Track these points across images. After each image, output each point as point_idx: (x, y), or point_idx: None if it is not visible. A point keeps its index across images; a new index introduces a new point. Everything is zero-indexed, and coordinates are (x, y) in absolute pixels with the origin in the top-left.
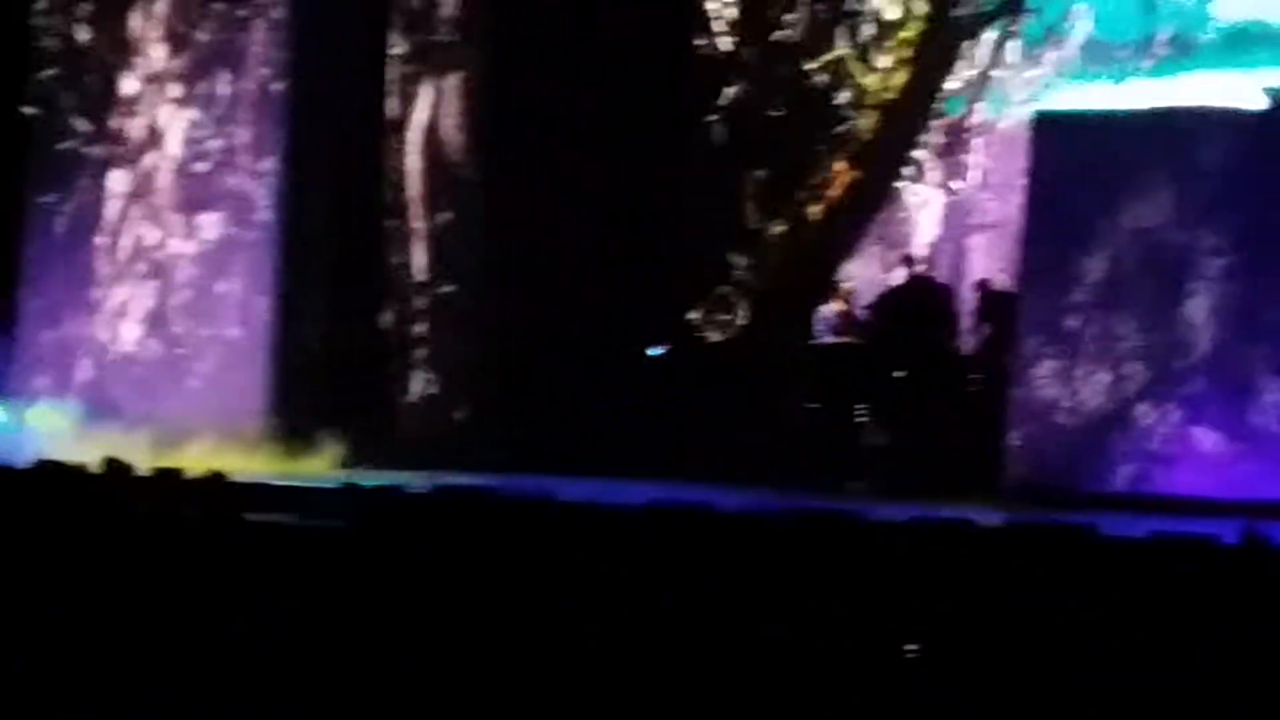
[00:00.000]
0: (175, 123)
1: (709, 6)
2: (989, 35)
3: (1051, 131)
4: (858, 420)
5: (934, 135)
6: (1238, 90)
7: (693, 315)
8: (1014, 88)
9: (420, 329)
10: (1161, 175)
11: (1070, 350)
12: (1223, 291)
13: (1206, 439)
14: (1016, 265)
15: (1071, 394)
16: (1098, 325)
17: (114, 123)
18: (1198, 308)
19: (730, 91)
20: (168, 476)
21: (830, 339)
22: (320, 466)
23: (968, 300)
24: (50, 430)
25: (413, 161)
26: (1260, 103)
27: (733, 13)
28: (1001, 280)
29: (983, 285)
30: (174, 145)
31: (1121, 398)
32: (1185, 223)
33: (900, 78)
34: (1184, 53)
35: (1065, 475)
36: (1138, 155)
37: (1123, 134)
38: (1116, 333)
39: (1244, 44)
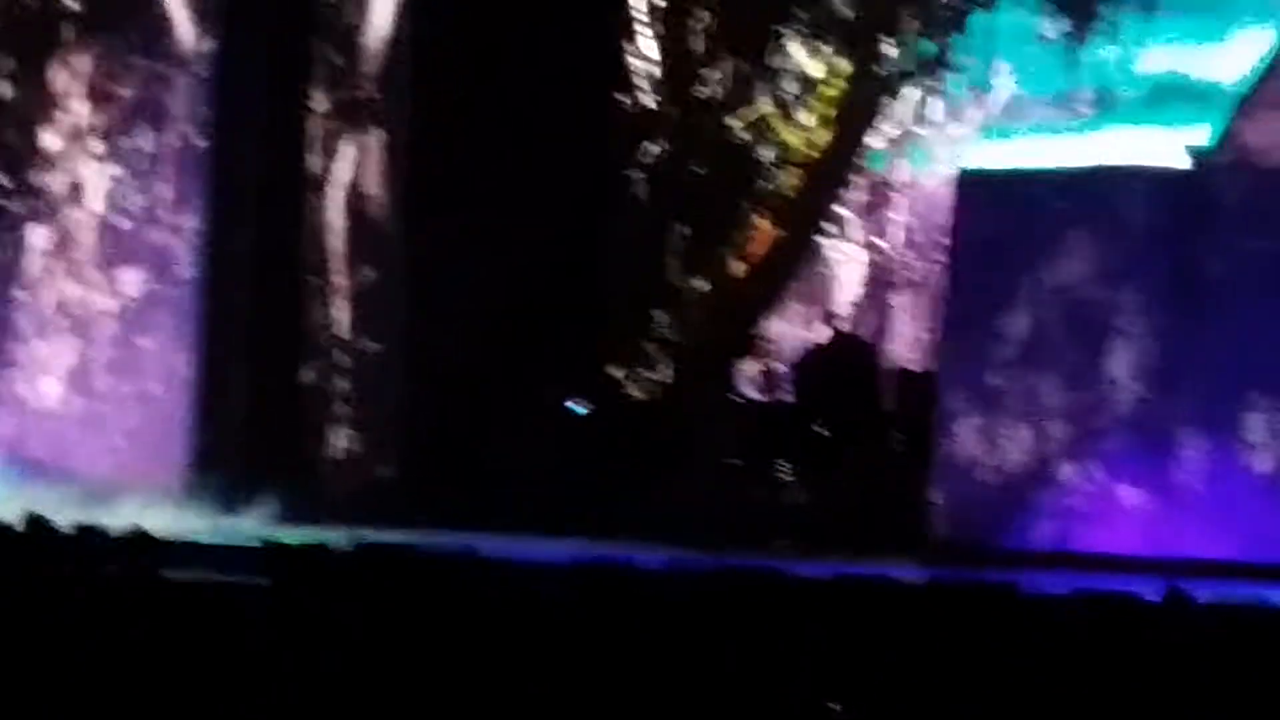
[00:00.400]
0: (97, 178)
1: (631, 63)
2: (912, 92)
3: (975, 189)
4: (781, 477)
5: (857, 193)
6: (1161, 147)
7: (615, 372)
8: (937, 145)
9: (343, 385)
10: (1084, 233)
11: (993, 407)
12: (1145, 349)
13: (1129, 496)
14: (939, 323)
15: (994, 451)
16: (1020, 382)
17: (35, 178)
18: (1120, 365)
19: (652, 148)
20: (90, 534)
21: (753, 396)
22: (244, 524)
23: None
24: None
25: (335, 218)
26: (1184, 161)
27: (655, 69)
28: (918, 361)
29: (903, 374)
30: (96, 201)
31: (1044, 455)
32: (1108, 280)
33: (823, 135)
34: (1107, 109)
35: (988, 532)
36: (1060, 213)
37: (1045, 192)
38: (1039, 390)
39: (1166, 100)
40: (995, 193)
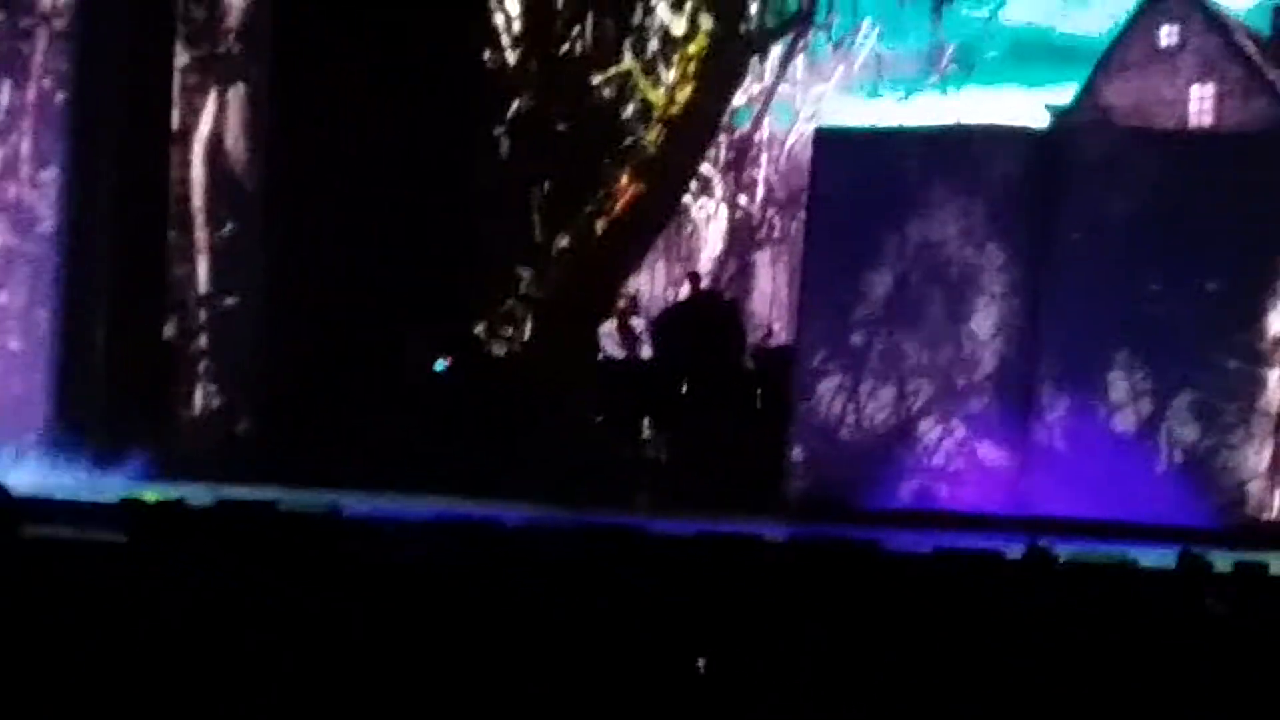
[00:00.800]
0: None
1: (496, 20)
2: (775, 50)
3: (833, 147)
4: (642, 435)
5: (721, 150)
6: (1021, 106)
7: (478, 329)
8: (801, 103)
9: (203, 342)
10: (943, 191)
11: (854, 365)
12: (1006, 308)
13: (990, 454)
14: (800, 280)
15: (856, 409)
16: (882, 341)
17: None
18: (982, 324)
19: (516, 104)
20: None
21: (615, 353)
22: (105, 480)
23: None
24: None
25: (196, 173)
26: (1043, 120)
27: (519, 26)
28: (780, 318)
29: (764, 331)
30: None
31: (905, 413)
32: (969, 239)
33: (686, 92)
34: (969, 69)
35: (849, 490)
36: (920, 171)
37: (904, 150)
38: (901, 348)
39: (1027, 59)
40: (854, 151)
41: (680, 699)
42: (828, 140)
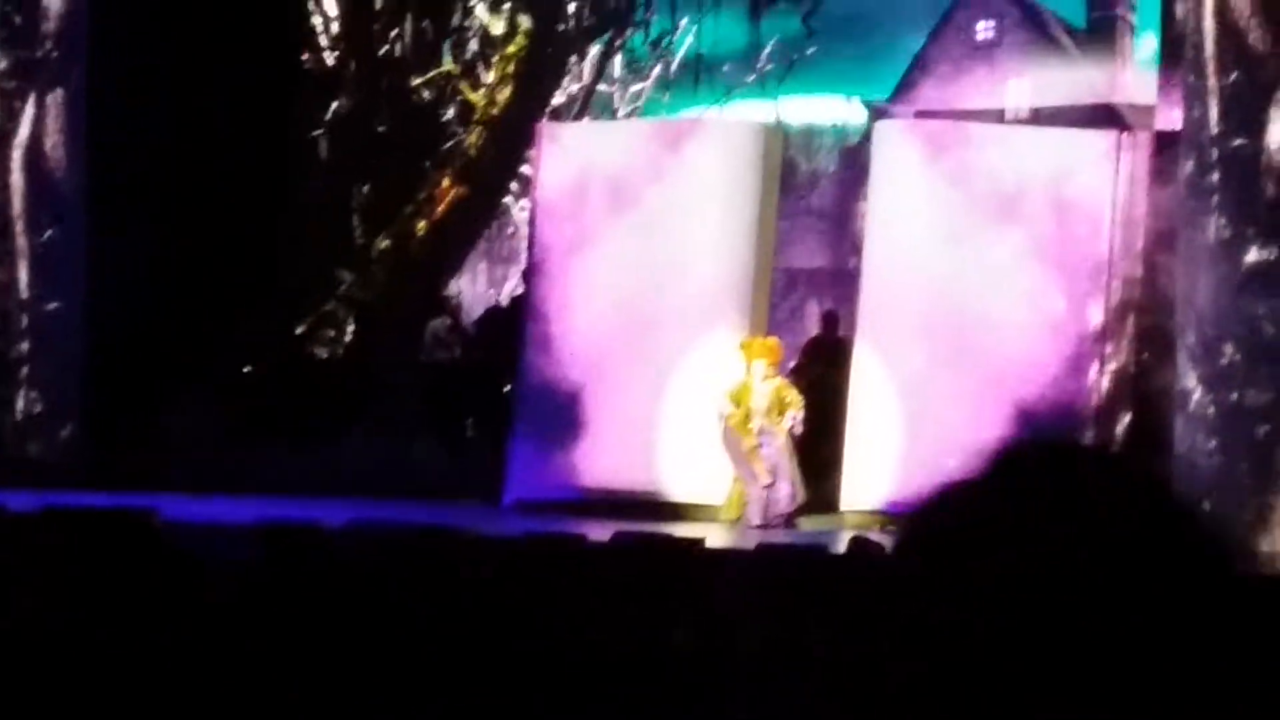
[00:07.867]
0: None
1: (315, 21)
2: (594, 49)
3: (553, 140)
4: (466, 436)
5: None
6: (840, 104)
7: (299, 330)
8: (620, 101)
9: (25, 348)
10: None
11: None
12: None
13: None
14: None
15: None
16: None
17: None
18: None
19: (335, 106)
20: None
21: (438, 354)
22: None
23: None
24: None
25: (15, 179)
26: (862, 116)
27: (337, 28)
28: None
29: None
30: None
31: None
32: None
33: (506, 93)
34: (788, 67)
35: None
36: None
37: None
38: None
39: (845, 57)
40: (573, 143)
41: (505, 700)
42: (548, 134)
